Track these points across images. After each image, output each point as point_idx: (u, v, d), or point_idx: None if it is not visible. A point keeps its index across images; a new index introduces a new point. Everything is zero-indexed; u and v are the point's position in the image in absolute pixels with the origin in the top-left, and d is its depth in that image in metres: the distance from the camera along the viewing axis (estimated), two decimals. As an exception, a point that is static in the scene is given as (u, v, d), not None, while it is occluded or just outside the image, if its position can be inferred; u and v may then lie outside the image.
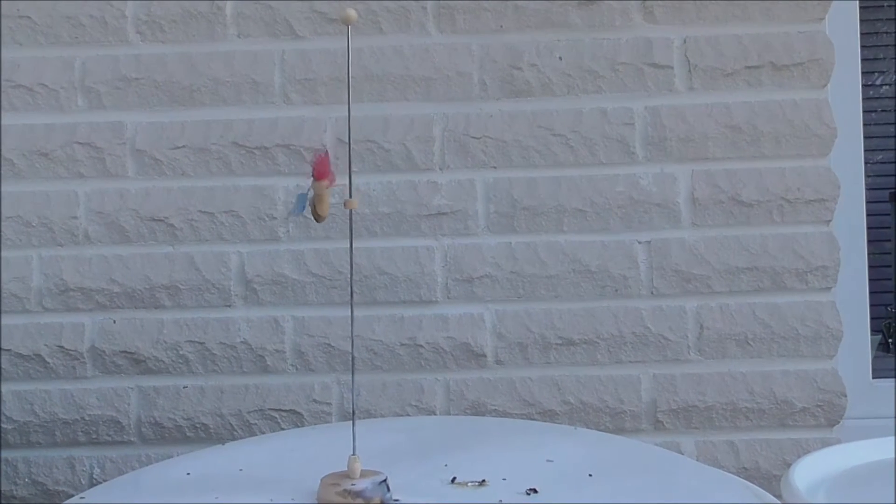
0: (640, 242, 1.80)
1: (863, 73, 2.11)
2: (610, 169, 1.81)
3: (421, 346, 1.80)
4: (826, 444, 1.73)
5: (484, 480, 1.12)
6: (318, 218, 1.06)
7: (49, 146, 1.83)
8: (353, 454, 1.07)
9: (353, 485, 1.04)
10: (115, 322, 1.82)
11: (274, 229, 1.81)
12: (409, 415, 1.80)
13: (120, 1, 1.83)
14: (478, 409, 1.80)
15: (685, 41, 1.81)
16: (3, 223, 1.82)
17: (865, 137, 2.11)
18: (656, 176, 1.80)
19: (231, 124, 1.82)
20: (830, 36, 1.82)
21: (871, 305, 2.12)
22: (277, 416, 1.81)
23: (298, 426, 1.80)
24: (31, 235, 1.82)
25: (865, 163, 2.12)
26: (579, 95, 1.81)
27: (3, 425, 1.82)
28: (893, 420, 2.01)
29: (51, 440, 1.82)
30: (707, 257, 1.79)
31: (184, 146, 1.82)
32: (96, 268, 1.82)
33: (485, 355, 1.80)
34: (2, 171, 1.83)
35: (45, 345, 1.82)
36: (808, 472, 1.14)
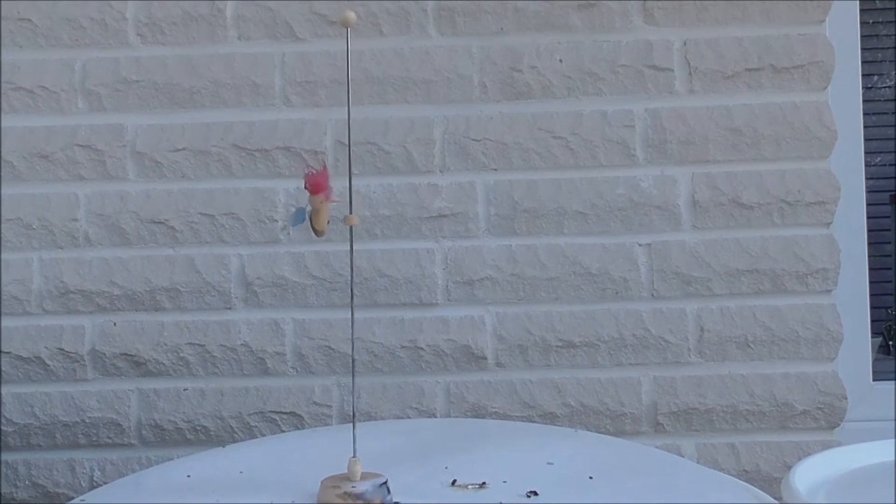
0: (640, 245, 1.80)
1: (863, 75, 2.11)
2: (610, 171, 1.81)
3: (421, 348, 1.80)
4: (826, 446, 1.72)
5: (484, 483, 1.12)
6: (316, 233, 1.06)
7: (49, 148, 1.83)
8: (354, 456, 1.07)
9: (353, 487, 1.04)
10: (115, 324, 1.82)
11: (274, 232, 1.81)
12: (409, 417, 1.80)
13: (120, 0, 1.83)
14: (478, 412, 1.80)
15: (685, 43, 1.81)
16: (3, 225, 1.82)
17: (866, 140, 2.11)
18: (657, 178, 1.80)
19: (231, 126, 1.82)
20: (831, 38, 1.82)
21: (872, 308, 2.12)
22: (278, 418, 1.81)
23: (299, 428, 1.80)
24: (31, 238, 1.82)
25: (866, 165, 2.12)
26: (579, 98, 1.81)
27: (3, 427, 1.82)
28: (894, 423, 2.01)
29: (51, 442, 1.82)
30: (707, 260, 1.79)
31: (184, 148, 1.82)
32: (97, 270, 1.82)
33: (485, 357, 1.80)
34: (2, 174, 1.83)
35: (46, 347, 1.82)
36: (809, 474, 1.14)
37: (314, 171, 1.05)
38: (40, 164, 1.83)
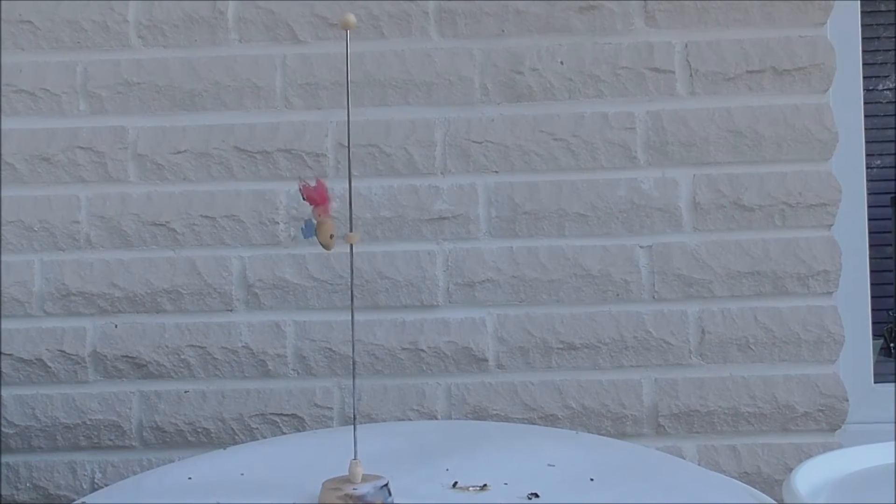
0: (641, 247, 1.80)
1: (864, 77, 2.11)
2: (611, 173, 1.81)
3: (422, 350, 1.80)
4: (827, 448, 1.72)
5: (485, 485, 1.12)
6: (323, 246, 1.06)
7: (51, 150, 1.83)
8: (355, 458, 1.07)
9: (354, 489, 1.04)
10: (116, 326, 1.82)
11: (275, 233, 1.81)
12: (410, 419, 1.80)
13: (122, 2, 1.83)
14: (479, 414, 1.80)
15: (686, 45, 1.81)
16: (4, 227, 1.83)
17: (867, 142, 2.11)
18: (658, 180, 1.80)
19: (232, 129, 1.82)
20: (832, 40, 1.82)
21: (873, 310, 2.12)
22: (279, 420, 1.81)
23: (300, 430, 1.80)
24: (32, 240, 1.83)
25: (867, 167, 2.12)
26: (581, 100, 1.81)
27: (4, 430, 1.82)
28: (894, 425, 2.01)
29: (52, 444, 1.82)
30: (708, 261, 1.79)
31: (185, 150, 1.82)
32: (98, 272, 1.82)
33: (486, 359, 1.80)
34: (3, 176, 1.83)
35: (47, 349, 1.82)
36: (810, 476, 1.14)
37: (309, 185, 1.05)
38: (41, 166, 1.83)
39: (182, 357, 1.82)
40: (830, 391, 1.78)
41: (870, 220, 2.13)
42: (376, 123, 1.81)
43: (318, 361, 1.81)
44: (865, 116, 2.11)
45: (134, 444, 1.82)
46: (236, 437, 1.81)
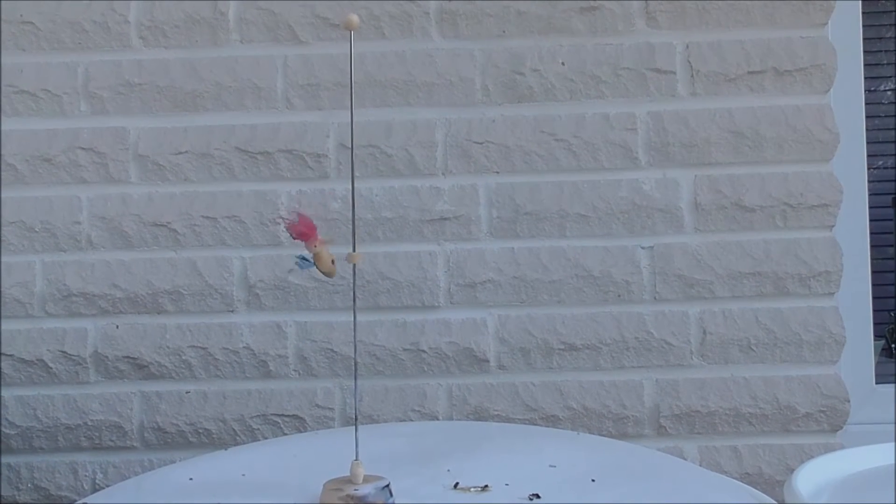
0: (642, 247, 1.80)
1: (865, 77, 2.11)
2: (613, 174, 1.81)
3: (423, 351, 1.80)
4: (829, 449, 1.72)
5: (486, 486, 1.12)
6: (325, 275, 1.06)
7: (52, 151, 1.83)
8: (356, 459, 1.07)
9: (355, 490, 1.04)
10: (117, 327, 1.82)
11: (276, 234, 1.81)
12: (411, 420, 1.80)
13: (123, 3, 1.83)
14: (480, 415, 1.80)
15: (688, 46, 1.81)
16: (5, 228, 1.83)
17: (868, 142, 2.11)
18: (659, 181, 1.80)
19: (234, 129, 1.82)
20: (833, 41, 1.82)
21: (874, 311, 2.12)
22: (280, 421, 1.81)
23: (301, 431, 1.80)
24: (33, 240, 1.83)
25: (868, 168, 2.12)
26: (582, 101, 1.81)
27: (5, 430, 1.82)
28: (895, 425, 2.01)
29: (53, 445, 1.82)
30: (710, 262, 1.79)
31: (186, 151, 1.83)
32: (99, 273, 1.82)
33: (487, 360, 1.80)
34: (4, 177, 1.83)
35: (48, 350, 1.82)
36: (811, 477, 1.14)
37: (293, 222, 1.05)
38: (43, 166, 1.83)
39: (183, 358, 1.82)
40: (832, 392, 1.78)
41: (871, 220, 2.13)
42: (377, 124, 1.81)
43: (320, 362, 1.81)
44: (867, 117, 2.11)
45: (135, 444, 1.82)
46: (237, 438, 1.81)
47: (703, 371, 1.79)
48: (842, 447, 1.67)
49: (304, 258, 1.05)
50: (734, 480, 1.30)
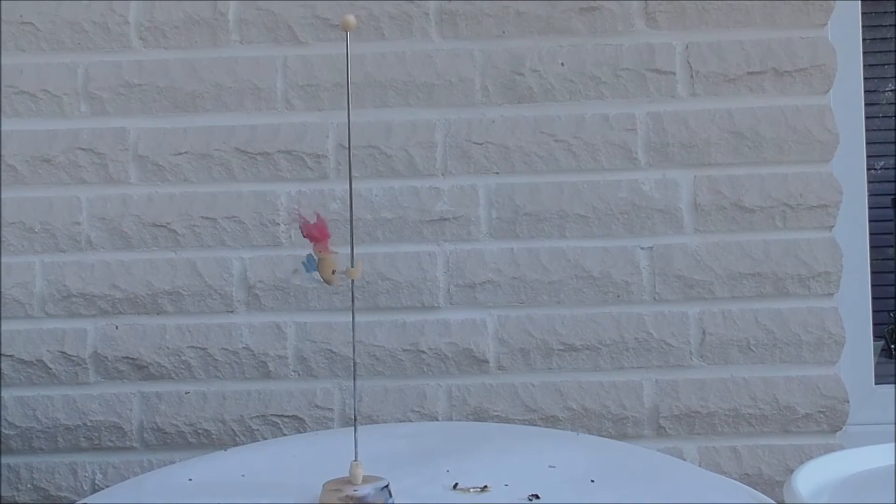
0: (642, 248, 1.80)
1: (865, 78, 2.11)
2: (612, 174, 1.81)
3: (423, 351, 1.80)
4: (829, 449, 1.72)
5: (486, 486, 1.12)
6: (325, 282, 1.07)
7: (52, 152, 1.83)
8: (356, 460, 1.07)
9: (355, 490, 1.04)
10: (117, 328, 1.82)
11: (276, 235, 1.81)
12: (411, 420, 1.80)
13: (122, 4, 1.83)
14: (480, 415, 1.80)
15: (687, 47, 1.81)
16: (5, 229, 1.83)
17: (868, 143, 2.11)
18: (658, 181, 1.80)
19: (233, 130, 1.82)
20: (833, 41, 1.82)
21: (874, 311, 2.12)
22: (279, 421, 1.81)
23: (300, 432, 1.80)
24: (33, 241, 1.83)
25: (867, 168, 2.12)
26: (581, 101, 1.81)
27: (5, 431, 1.82)
28: (895, 426, 2.01)
29: (53, 446, 1.82)
30: (709, 263, 1.79)
31: (186, 152, 1.83)
32: (98, 273, 1.82)
33: (487, 361, 1.80)
34: (4, 177, 1.83)
35: (48, 350, 1.82)
36: (811, 477, 1.14)
37: (308, 222, 1.05)
38: (42, 167, 1.83)
39: (183, 358, 1.82)
40: (831, 392, 1.78)
41: (871, 221, 2.13)
42: (377, 124, 1.81)
43: (319, 363, 1.81)
44: (866, 117, 2.11)
45: (135, 445, 1.82)
46: (237, 439, 1.81)
47: (703, 372, 1.79)
48: (841, 448, 1.67)
49: (311, 259, 1.05)
50: (734, 481, 1.30)
